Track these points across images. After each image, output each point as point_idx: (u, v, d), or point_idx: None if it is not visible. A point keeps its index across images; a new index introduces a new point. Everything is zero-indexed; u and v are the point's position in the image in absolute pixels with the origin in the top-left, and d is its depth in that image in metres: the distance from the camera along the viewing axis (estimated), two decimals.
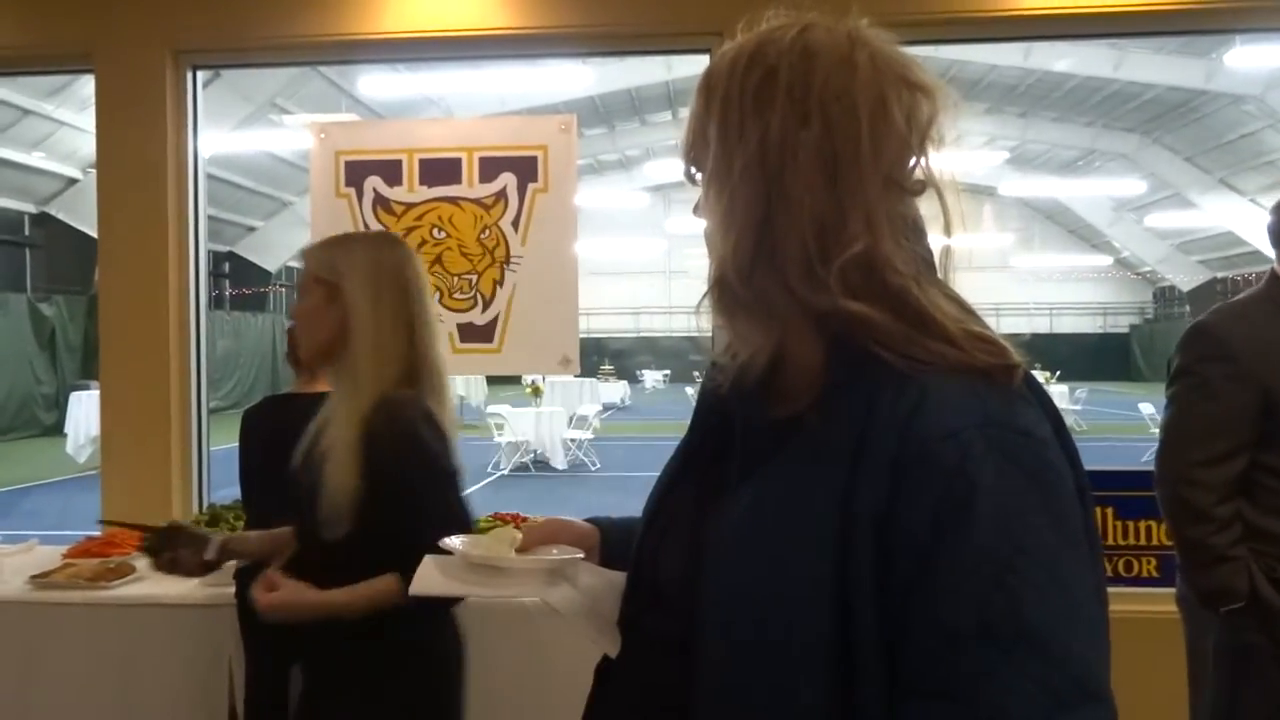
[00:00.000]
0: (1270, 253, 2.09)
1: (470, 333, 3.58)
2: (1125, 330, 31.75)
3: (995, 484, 0.69)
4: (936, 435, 0.70)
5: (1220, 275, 25.82)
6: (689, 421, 0.95)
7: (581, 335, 3.64)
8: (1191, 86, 15.93)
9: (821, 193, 0.76)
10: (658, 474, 0.96)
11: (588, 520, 1.06)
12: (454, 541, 0.96)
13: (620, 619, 0.91)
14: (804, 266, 0.76)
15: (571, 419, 12.56)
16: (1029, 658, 0.66)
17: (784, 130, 0.76)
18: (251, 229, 20.98)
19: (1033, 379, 0.78)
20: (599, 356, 23.49)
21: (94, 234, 3.79)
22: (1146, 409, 12.18)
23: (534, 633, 2.65)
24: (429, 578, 0.94)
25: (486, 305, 3.57)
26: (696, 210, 0.84)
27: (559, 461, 11.73)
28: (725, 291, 0.79)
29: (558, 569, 0.93)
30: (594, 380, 18.09)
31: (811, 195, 0.76)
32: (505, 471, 11.46)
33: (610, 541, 1.02)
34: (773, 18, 0.82)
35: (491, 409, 12.29)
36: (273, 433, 2.86)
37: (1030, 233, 28.93)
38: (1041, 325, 29.08)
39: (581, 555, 0.96)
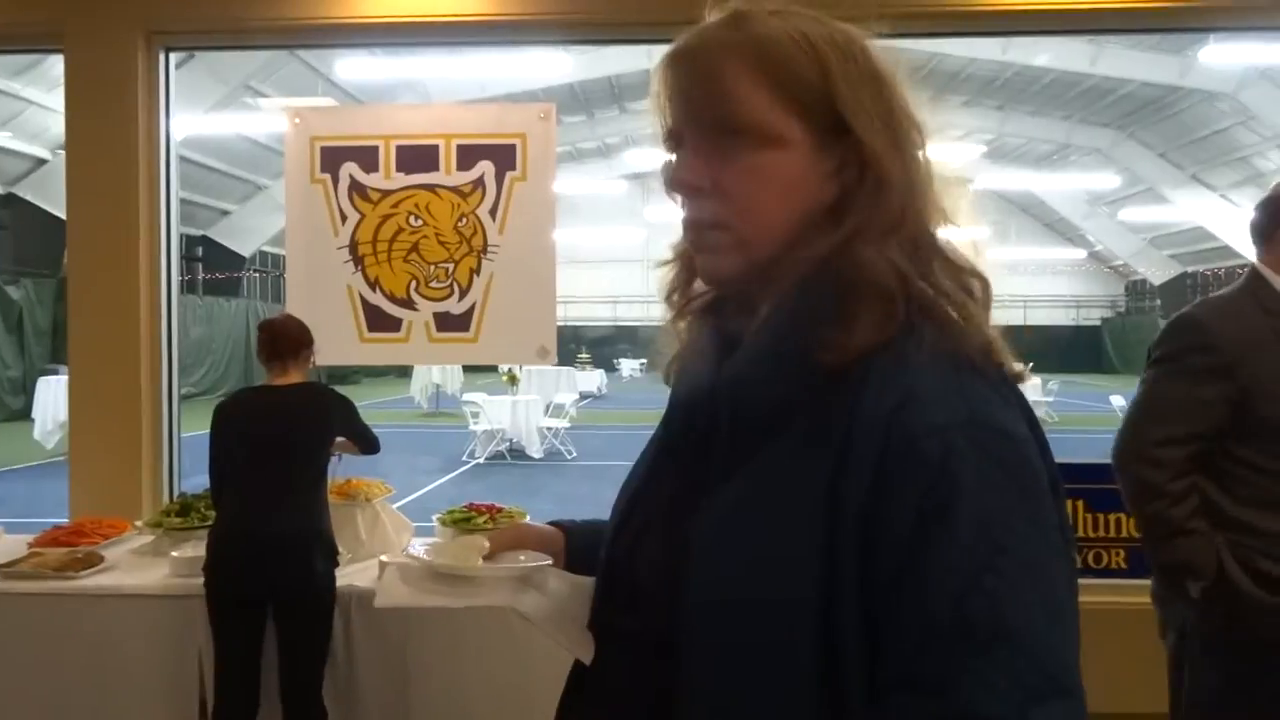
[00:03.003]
0: (1250, 249, 2.11)
1: (447, 322, 3.56)
2: (1098, 323, 32.11)
3: (976, 483, 0.69)
4: (920, 434, 0.71)
5: (1191, 270, 26.14)
6: (662, 418, 0.94)
7: (559, 323, 3.62)
8: (1166, 83, 16.07)
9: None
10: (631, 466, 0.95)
11: (551, 523, 1.04)
12: (419, 550, 0.94)
13: (592, 624, 0.90)
14: None
15: (548, 407, 12.52)
16: (1005, 654, 0.67)
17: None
18: (225, 213, 20.69)
19: (1006, 375, 0.79)
20: (576, 345, 23.44)
21: (63, 216, 3.73)
22: (1118, 401, 12.34)
23: (515, 636, 2.64)
24: (394, 589, 0.90)
25: (463, 294, 3.55)
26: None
27: (535, 450, 11.70)
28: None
29: (525, 575, 0.90)
30: (571, 369, 18.04)
31: None
32: (481, 460, 11.41)
33: (575, 544, 1.00)
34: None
35: (467, 397, 12.23)
36: (247, 425, 2.84)
37: (1006, 225, 29.12)
38: (1016, 317, 29.32)
39: (549, 561, 0.93)
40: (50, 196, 15.05)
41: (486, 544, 0.93)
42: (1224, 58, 12.48)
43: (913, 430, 0.71)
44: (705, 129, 0.80)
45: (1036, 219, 30.48)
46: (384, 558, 2.98)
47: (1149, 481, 1.97)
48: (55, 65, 3.74)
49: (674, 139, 0.83)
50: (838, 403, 0.75)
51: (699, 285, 0.91)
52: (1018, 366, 0.81)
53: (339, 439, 2.94)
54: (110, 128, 3.58)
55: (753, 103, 0.78)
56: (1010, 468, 0.72)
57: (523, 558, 0.93)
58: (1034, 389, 15.59)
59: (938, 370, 0.74)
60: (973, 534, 0.68)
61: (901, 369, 0.74)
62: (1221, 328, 1.98)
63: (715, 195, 0.80)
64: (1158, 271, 27.99)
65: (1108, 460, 3.26)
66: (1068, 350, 28.72)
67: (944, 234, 0.82)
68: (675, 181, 0.81)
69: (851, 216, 0.79)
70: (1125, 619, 2.80)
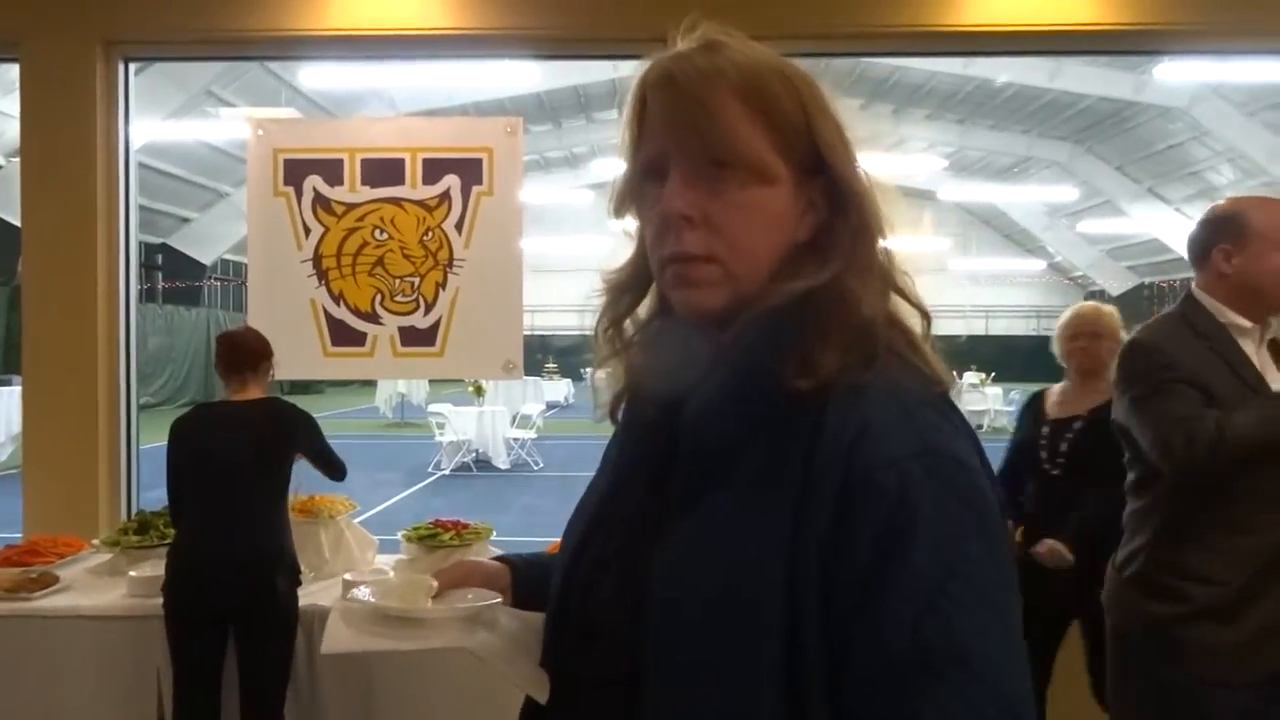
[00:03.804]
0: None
1: (412, 336, 3.53)
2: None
3: (933, 511, 0.71)
4: (878, 465, 0.72)
5: (1147, 281, 26.68)
6: (612, 444, 0.93)
7: (525, 333, 3.61)
8: (1122, 98, 16.41)
9: None
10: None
11: (497, 559, 1.03)
12: (364, 593, 0.91)
13: (545, 661, 0.88)
14: None
15: (515, 418, 12.44)
16: (962, 681, 0.67)
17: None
18: (186, 220, 20.36)
19: (955, 406, 0.82)
20: (543, 354, 23.31)
21: (17, 222, 3.66)
22: None
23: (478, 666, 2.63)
24: (339, 634, 0.87)
25: (429, 308, 3.53)
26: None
27: (501, 461, 11.62)
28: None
29: (475, 615, 0.89)
30: (538, 378, 17.96)
31: None
32: (446, 471, 11.32)
33: (522, 580, 0.99)
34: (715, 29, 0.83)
35: (433, 407, 12.12)
36: (205, 443, 2.78)
37: (967, 237, 29.53)
38: (977, 327, 29.67)
39: (499, 599, 0.92)
40: (4, 203, 14.72)
41: (434, 583, 0.91)
42: (1178, 75, 12.76)
43: (870, 461, 0.72)
44: (696, 160, 0.79)
45: (997, 230, 30.93)
46: (348, 576, 2.95)
47: (1198, 431, 1.89)
48: (8, 70, 3.66)
49: (655, 166, 0.81)
50: (799, 431, 0.76)
51: (641, 314, 0.90)
52: (952, 381, 0.83)
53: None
54: (68, 136, 3.52)
55: (747, 138, 0.78)
56: (965, 497, 0.73)
57: (470, 596, 0.91)
58: (995, 398, 15.80)
59: (893, 402, 0.76)
60: (929, 560, 0.69)
61: (859, 400, 0.75)
62: (1170, 348, 2.04)
63: (705, 228, 0.79)
64: (1115, 283, 28.52)
65: None
66: (1028, 360, 28.93)
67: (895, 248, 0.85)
68: (666, 212, 0.79)
69: (836, 252, 0.80)
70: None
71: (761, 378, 0.78)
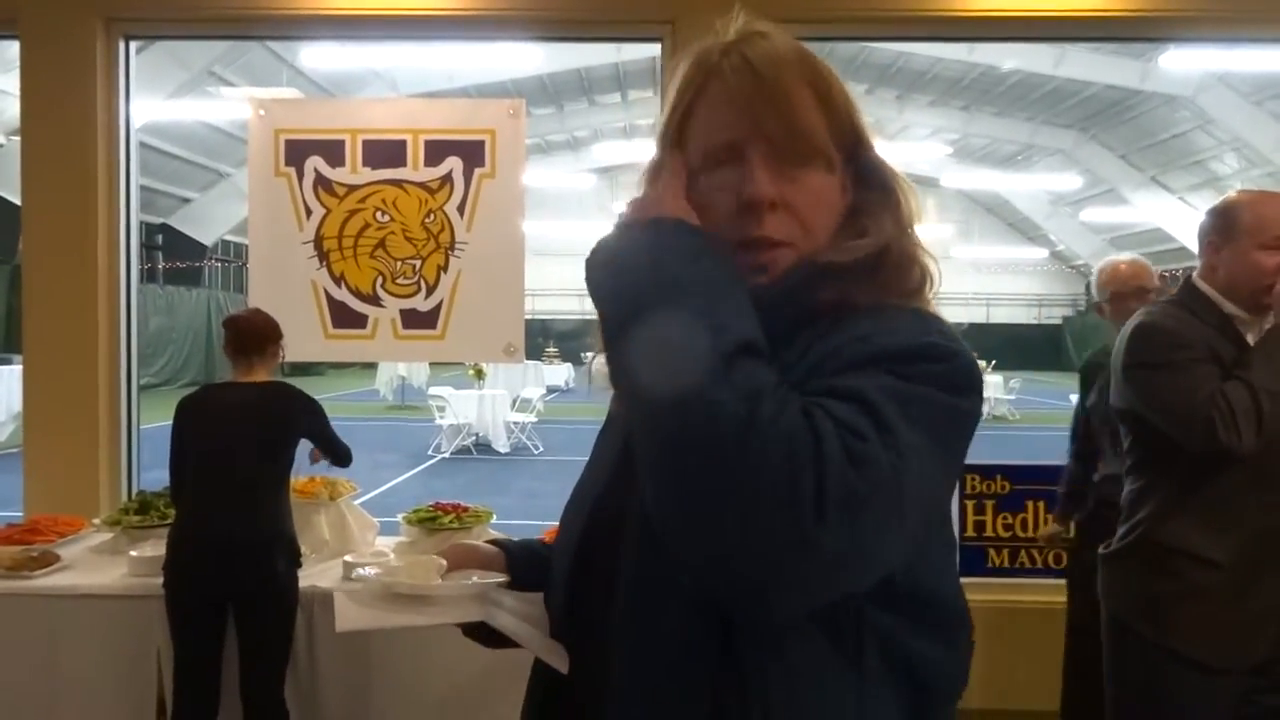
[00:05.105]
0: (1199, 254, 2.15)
1: (413, 319, 3.53)
2: (1059, 321, 32.57)
3: (936, 367, 0.75)
4: (885, 337, 0.77)
5: None
6: (608, 439, 0.96)
7: (526, 317, 3.61)
8: (1127, 86, 16.33)
9: None
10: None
11: (490, 542, 1.05)
12: (373, 572, 0.93)
13: (556, 633, 0.90)
14: None
15: (515, 401, 12.45)
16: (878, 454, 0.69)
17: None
18: (187, 201, 20.32)
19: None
20: (543, 338, 23.31)
21: (17, 201, 3.65)
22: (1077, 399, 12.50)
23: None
24: (351, 613, 0.89)
25: (430, 291, 3.52)
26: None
27: (501, 445, 11.64)
28: None
29: (483, 593, 0.91)
30: (538, 362, 17.96)
31: None
32: (446, 454, 11.34)
33: (516, 562, 1.01)
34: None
35: (433, 390, 12.13)
36: (209, 423, 2.78)
37: (970, 224, 29.46)
38: (979, 315, 29.66)
39: (504, 579, 0.94)
40: (4, 181, 14.68)
41: (443, 562, 0.94)
42: (1183, 63, 12.71)
43: (880, 339, 0.77)
44: (776, 146, 0.83)
45: (1000, 218, 30.86)
46: (349, 558, 2.96)
47: (1219, 414, 1.88)
48: (9, 48, 3.65)
49: (731, 150, 0.84)
50: (788, 357, 0.79)
51: None
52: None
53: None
54: (68, 115, 3.50)
55: (820, 128, 0.84)
56: (968, 377, 0.78)
57: (475, 577, 0.94)
58: (995, 387, 15.80)
59: (911, 313, 0.82)
60: (918, 387, 0.73)
61: (880, 310, 0.81)
62: (1185, 330, 2.03)
63: (784, 212, 0.83)
64: None
65: (1066, 463, 3.28)
66: (1029, 348, 29.11)
67: None
68: (755, 196, 0.82)
69: (883, 221, 0.86)
70: None
71: (794, 293, 0.82)
